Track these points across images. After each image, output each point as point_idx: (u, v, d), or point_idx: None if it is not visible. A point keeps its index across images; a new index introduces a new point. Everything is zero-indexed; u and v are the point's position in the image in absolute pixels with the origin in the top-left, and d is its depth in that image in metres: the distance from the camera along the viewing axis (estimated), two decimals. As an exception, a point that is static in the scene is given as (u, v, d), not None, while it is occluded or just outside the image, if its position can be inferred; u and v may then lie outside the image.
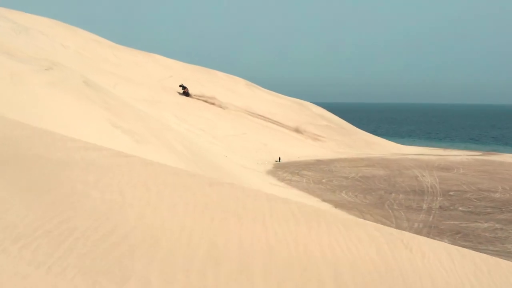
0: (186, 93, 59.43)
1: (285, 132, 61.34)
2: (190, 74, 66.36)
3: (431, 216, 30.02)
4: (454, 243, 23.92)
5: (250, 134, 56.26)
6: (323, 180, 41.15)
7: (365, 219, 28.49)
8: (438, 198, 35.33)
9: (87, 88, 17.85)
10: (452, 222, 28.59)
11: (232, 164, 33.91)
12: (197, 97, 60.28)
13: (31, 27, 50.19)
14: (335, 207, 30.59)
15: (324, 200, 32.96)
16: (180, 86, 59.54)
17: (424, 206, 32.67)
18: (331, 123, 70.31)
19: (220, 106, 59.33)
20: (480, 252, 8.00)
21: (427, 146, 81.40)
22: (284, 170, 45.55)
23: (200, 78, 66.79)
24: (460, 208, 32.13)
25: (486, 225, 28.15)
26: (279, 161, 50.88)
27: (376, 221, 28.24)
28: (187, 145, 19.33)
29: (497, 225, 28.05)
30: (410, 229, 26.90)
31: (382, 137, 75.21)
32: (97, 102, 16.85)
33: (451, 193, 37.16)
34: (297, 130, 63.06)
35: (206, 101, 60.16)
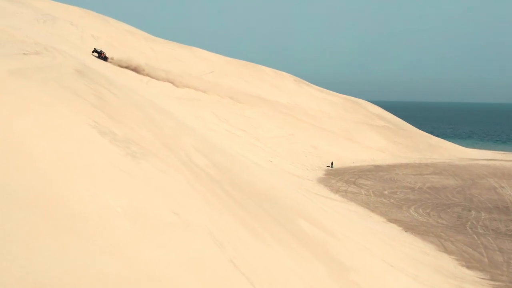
0: (103, 57, 45.54)
1: (337, 133, 55.14)
2: (232, 68, 61.10)
3: (531, 245, 23.51)
4: None
5: (298, 135, 50.51)
6: (385, 192, 35.06)
7: (446, 248, 22.39)
8: (531, 218, 28.69)
9: (78, 78, 12.67)
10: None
11: (276, 174, 28.37)
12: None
13: (59, 17, 46.20)
14: (405, 231, 24.49)
15: (390, 220, 26.87)
16: (94, 51, 45.58)
17: (517, 230, 26.14)
18: (390, 124, 63.64)
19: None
20: None
21: (493, 149, 73.64)
22: (338, 177, 39.68)
23: (244, 73, 61.42)
24: None
25: None
26: (332, 166, 44.99)
27: (461, 252, 22.04)
28: (213, 154, 13.84)
29: None
30: (508, 266, 20.60)
31: (443, 139, 67.89)
32: (86, 97, 11.50)
33: (546, 211, 30.43)
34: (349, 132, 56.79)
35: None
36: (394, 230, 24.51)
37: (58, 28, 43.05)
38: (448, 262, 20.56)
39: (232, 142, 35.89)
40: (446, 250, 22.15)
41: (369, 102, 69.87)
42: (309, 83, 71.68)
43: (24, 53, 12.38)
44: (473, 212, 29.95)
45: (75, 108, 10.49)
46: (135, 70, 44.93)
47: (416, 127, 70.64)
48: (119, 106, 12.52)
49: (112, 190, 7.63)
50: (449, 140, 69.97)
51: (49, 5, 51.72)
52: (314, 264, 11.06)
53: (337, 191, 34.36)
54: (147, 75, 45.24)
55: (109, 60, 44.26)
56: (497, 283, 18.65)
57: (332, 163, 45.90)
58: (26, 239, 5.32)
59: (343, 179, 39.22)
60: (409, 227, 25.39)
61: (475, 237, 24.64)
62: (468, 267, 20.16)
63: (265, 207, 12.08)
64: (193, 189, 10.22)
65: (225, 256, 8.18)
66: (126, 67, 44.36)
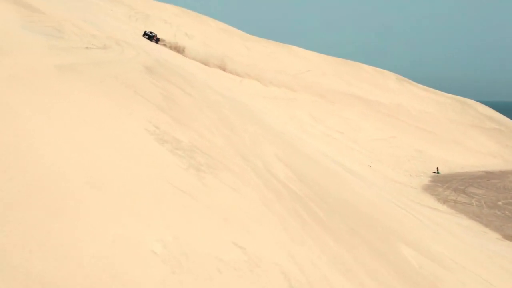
0: (155, 40, 42.49)
1: (443, 136, 50.91)
2: (330, 67, 58.53)
3: None
4: None
5: (400, 137, 47.11)
6: (499, 203, 31.17)
7: None
8: None
9: (145, 76, 11.28)
10: None
11: (375, 183, 25.78)
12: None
13: (153, 15, 46.41)
14: (528, 253, 20.95)
15: (506, 237, 23.37)
16: (144, 34, 42.32)
17: None
18: (501, 126, 58.01)
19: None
20: None
21: None
22: (446, 185, 36.08)
23: (342, 72, 58.65)
24: None
25: None
26: (438, 172, 41.25)
27: None
28: (299, 164, 11.91)
29: None
30: None
31: None
32: (151, 97, 9.96)
33: None
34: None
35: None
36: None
37: (149, 26, 43.06)
38: None
39: (327, 145, 33.68)
40: None
41: (478, 103, 64.18)
42: (412, 82, 67.29)
43: (86, 47, 11.16)
44: None
45: (133, 109, 8.97)
46: (227, 69, 43.96)
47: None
48: (190, 107, 10.91)
49: (156, 220, 5.89)
50: None
51: (144, 3, 52.17)
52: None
53: (444, 201, 31.02)
54: (239, 74, 44.13)
55: (160, 42, 41.55)
56: None
57: (437, 169, 42.20)
58: None
59: (451, 187, 35.61)
60: (533, 249, 21.81)
61: None
62: None
63: (360, 232, 9.89)
64: (269, 210, 8.29)
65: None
66: (218, 66, 43.50)
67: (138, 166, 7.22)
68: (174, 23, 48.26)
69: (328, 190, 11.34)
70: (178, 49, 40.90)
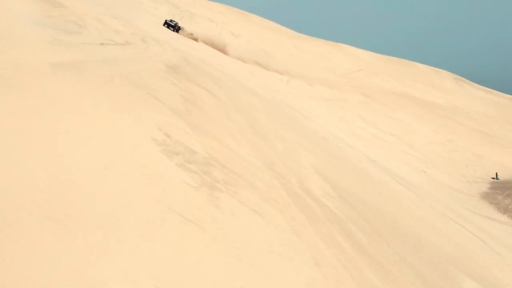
0: (176, 29, 40.16)
1: (505, 140, 47.74)
2: (383, 66, 56.18)
3: None
4: None
5: (457, 141, 44.37)
6: None
7: None
8: None
9: (166, 75, 10.10)
10: None
11: (429, 194, 23.76)
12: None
13: (198, 13, 45.57)
14: None
15: None
16: (165, 24, 39.96)
17: None
18: None
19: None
20: None
21: None
22: (506, 192, 33.38)
23: (395, 71, 56.18)
24: None
25: None
26: (497, 178, 38.38)
27: None
28: (341, 176, 10.42)
29: None
30: None
31: None
32: (168, 99, 8.74)
33: None
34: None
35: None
36: None
37: (194, 24, 42.11)
38: None
39: (378, 149, 31.73)
40: None
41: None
42: (472, 82, 63.93)
43: (102, 43, 10.02)
44: None
45: (141, 114, 7.69)
46: (272, 68, 42.44)
47: None
48: (215, 111, 9.57)
49: (143, 264, 4.58)
50: None
51: (190, 1, 51.37)
52: None
53: (505, 210, 28.52)
54: (286, 74, 42.59)
55: (181, 31, 39.30)
56: None
57: (496, 174, 39.34)
58: None
59: (511, 195, 32.94)
60: None
61: None
62: None
63: (411, 262, 8.25)
64: (298, 238, 6.84)
65: None
66: (264, 66, 42.06)
67: (132, 187, 5.91)
68: (220, 21, 47.31)
69: (374, 208, 9.74)
70: (218, 47, 39.52)
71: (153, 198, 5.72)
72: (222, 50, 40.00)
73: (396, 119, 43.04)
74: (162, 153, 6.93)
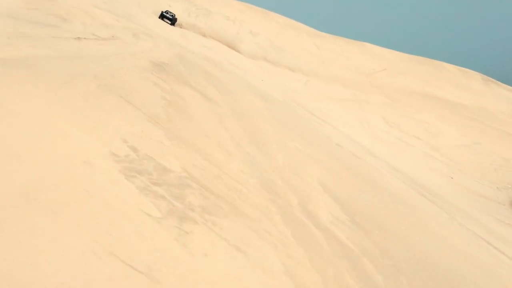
0: (173, 21, 38.36)
1: (536, 143, 45.33)
2: (408, 66, 54.05)
3: None
4: None
5: (485, 144, 42.22)
6: None
7: None
8: None
9: (148, 74, 8.73)
10: None
11: (459, 208, 21.96)
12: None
13: (216, 11, 44.17)
14: None
15: None
16: (161, 16, 37.86)
17: None
18: None
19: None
20: None
21: None
22: (538, 201, 31.35)
23: (421, 71, 54.01)
24: None
25: None
26: (529, 184, 36.28)
27: None
28: (356, 195, 8.76)
29: None
30: None
31: None
32: (145, 103, 7.25)
33: None
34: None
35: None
36: None
37: (211, 22, 40.77)
38: None
39: (402, 153, 29.96)
40: None
41: None
42: (500, 83, 61.35)
43: (78, 37, 8.61)
44: None
45: (102, 122, 6.24)
46: (291, 68, 40.78)
47: None
48: (205, 117, 8.07)
49: None
50: None
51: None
52: None
53: (538, 220, 26.56)
54: (305, 73, 40.93)
55: (176, 24, 37.20)
56: None
57: (528, 180, 37.19)
58: None
59: (545, 203, 30.88)
60: None
61: None
62: None
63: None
64: (293, 282, 5.31)
65: None
66: (281, 65, 40.44)
67: (53, 225, 4.47)
68: (238, 20, 45.86)
69: (395, 235, 8.13)
70: (232, 44, 37.89)
71: (88, 239, 4.25)
72: (237, 48, 38.54)
73: (420, 121, 41.07)
74: (120, 172, 5.47)
